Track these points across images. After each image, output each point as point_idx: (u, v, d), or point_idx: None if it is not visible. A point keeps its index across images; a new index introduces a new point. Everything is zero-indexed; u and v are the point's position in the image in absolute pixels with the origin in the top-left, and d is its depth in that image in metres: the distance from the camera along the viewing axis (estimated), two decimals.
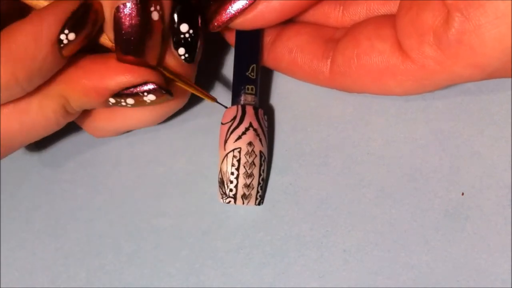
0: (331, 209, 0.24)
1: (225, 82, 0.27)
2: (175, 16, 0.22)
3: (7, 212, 0.27)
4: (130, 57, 0.22)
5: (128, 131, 0.27)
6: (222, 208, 0.25)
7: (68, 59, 0.21)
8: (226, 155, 0.24)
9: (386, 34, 0.22)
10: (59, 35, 0.20)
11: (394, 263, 0.23)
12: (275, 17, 0.23)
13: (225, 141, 0.24)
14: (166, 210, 0.26)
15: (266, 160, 0.24)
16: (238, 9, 0.23)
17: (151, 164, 0.26)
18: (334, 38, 0.24)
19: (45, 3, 0.21)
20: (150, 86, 0.22)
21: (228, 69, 0.27)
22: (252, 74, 0.25)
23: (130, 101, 0.22)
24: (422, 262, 0.23)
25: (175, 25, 0.22)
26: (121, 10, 0.21)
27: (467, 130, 0.24)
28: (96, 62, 0.22)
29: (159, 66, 0.22)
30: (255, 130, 0.24)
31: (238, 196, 0.23)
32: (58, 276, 0.26)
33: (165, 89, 0.22)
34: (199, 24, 0.23)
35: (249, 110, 0.24)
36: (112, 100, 0.22)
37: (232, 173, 0.23)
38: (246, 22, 0.23)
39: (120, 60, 0.22)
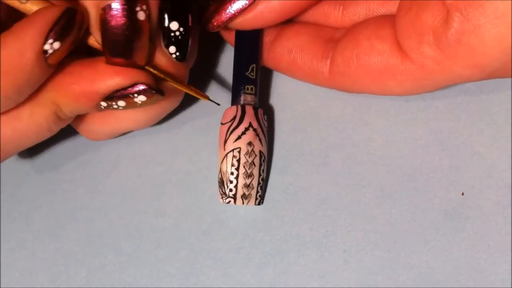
0: (331, 209, 0.24)
1: (224, 82, 0.27)
2: (165, 14, 0.22)
3: (7, 212, 0.27)
4: (118, 59, 0.21)
5: (123, 134, 0.27)
6: (222, 208, 0.25)
7: (56, 66, 0.21)
8: (226, 155, 0.24)
9: (385, 34, 0.22)
10: (43, 45, 0.20)
11: (394, 263, 0.23)
12: (274, 17, 0.23)
13: (225, 141, 0.24)
14: (166, 210, 0.26)
15: (266, 160, 0.24)
16: (237, 9, 0.23)
17: (151, 164, 0.26)
18: (333, 38, 0.24)
19: (34, 8, 0.21)
20: (140, 87, 0.22)
21: (228, 69, 0.27)
22: (252, 74, 0.25)
23: (121, 103, 0.22)
24: (422, 262, 0.23)
25: (165, 23, 0.22)
26: (107, 11, 0.20)
27: (467, 130, 0.24)
28: (85, 67, 0.22)
29: (148, 66, 0.22)
30: (254, 130, 0.24)
31: (238, 196, 0.23)
32: (58, 276, 0.26)
33: (155, 88, 0.22)
34: (190, 23, 0.23)
35: (249, 110, 0.24)
36: (103, 104, 0.22)
37: (232, 173, 0.23)
38: (246, 22, 0.23)
39: (108, 62, 0.22)
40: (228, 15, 0.23)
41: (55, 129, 0.23)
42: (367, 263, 0.23)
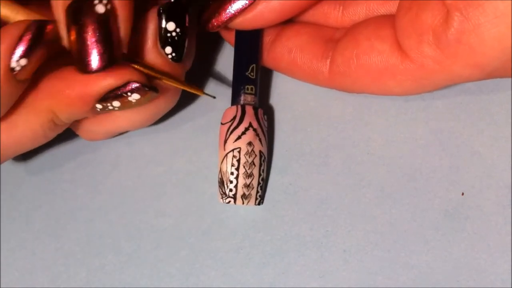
0: (331, 209, 0.24)
1: (224, 82, 0.27)
2: (162, 14, 0.22)
3: (7, 212, 0.27)
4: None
5: (120, 134, 0.27)
6: (222, 208, 0.25)
7: (29, 80, 0.21)
8: (226, 155, 0.24)
9: (385, 34, 0.22)
10: (9, 63, 0.20)
11: (394, 263, 0.23)
12: (274, 17, 0.23)
13: (225, 141, 0.24)
14: (166, 210, 0.26)
15: (266, 160, 0.24)
16: (237, 9, 0.23)
17: (151, 164, 0.26)
18: (333, 38, 0.24)
19: (19, 17, 0.20)
20: (133, 85, 0.22)
21: (227, 69, 0.27)
22: (252, 74, 0.25)
23: (116, 103, 0.22)
24: (422, 262, 0.23)
25: (162, 24, 0.22)
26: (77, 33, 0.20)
27: (467, 130, 0.24)
28: (76, 71, 0.21)
29: (138, 66, 0.22)
30: (254, 130, 0.24)
31: (238, 196, 0.23)
32: (58, 276, 0.26)
33: (148, 86, 0.22)
34: (187, 23, 0.22)
35: (249, 110, 0.24)
36: (99, 106, 0.22)
37: (232, 173, 0.23)
38: (246, 22, 0.23)
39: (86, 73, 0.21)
40: (228, 15, 0.23)
41: (51, 135, 0.23)
42: (367, 263, 0.23)
